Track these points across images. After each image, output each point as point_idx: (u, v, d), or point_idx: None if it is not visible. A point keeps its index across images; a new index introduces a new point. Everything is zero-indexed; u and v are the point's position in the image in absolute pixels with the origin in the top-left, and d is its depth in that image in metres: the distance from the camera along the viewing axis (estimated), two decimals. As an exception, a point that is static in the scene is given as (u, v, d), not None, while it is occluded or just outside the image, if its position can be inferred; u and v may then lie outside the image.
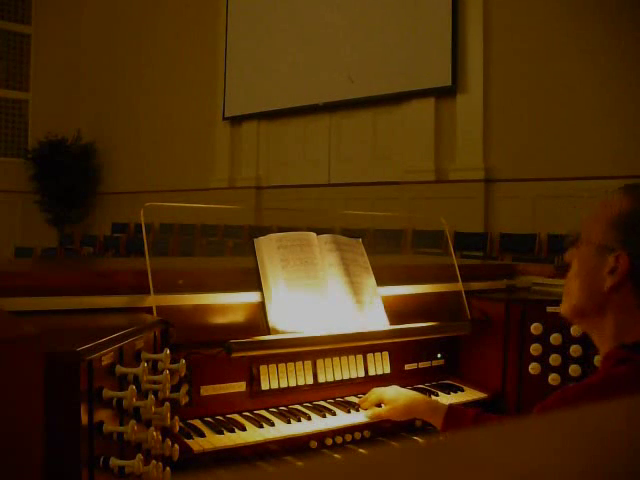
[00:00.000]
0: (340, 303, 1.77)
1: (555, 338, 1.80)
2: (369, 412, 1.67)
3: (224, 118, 9.52)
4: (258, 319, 1.67)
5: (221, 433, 1.49)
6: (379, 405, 1.68)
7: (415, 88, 7.30)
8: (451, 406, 1.57)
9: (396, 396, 1.65)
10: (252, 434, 1.50)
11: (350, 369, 1.82)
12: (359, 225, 6.36)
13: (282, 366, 1.71)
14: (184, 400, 1.31)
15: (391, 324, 1.82)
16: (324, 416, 1.64)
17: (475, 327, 1.94)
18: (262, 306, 1.68)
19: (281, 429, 1.55)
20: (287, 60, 8.60)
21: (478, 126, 6.86)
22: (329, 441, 1.60)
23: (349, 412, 1.68)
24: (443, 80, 7.07)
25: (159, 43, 10.55)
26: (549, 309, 1.82)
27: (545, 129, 6.37)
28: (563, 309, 1.25)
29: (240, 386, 1.65)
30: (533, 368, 1.83)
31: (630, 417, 0.37)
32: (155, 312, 1.49)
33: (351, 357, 1.83)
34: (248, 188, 9.10)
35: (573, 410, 0.36)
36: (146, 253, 1.54)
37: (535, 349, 1.82)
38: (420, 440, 0.35)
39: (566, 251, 1.25)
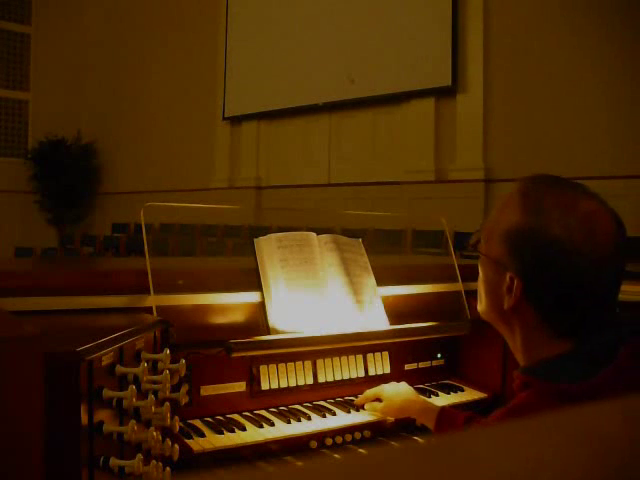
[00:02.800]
0: (340, 303, 1.77)
1: (555, 338, 1.79)
2: (367, 405, 1.68)
3: (224, 118, 9.53)
4: (258, 319, 1.67)
5: (221, 433, 1.49)
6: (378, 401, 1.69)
7: (415, 88, 7.30)
8: (443, 408, 1.57)
9: (393, 394, 1.66)
10: (252, 434, 1.50)
11: (350, 369, 1.82)
12: (359, 225, 6.36)
13: (282, 366, 1.71)
14: (184, 400, 1.31)
15: (391, 324, 1.82)
16: (324, 416, 1.64)
17: (475, 327, 1.93)
18: (262, 306, 1.68)
19: (281, 429, 1.55)
20: (287, 60, 8.59)
21: (478, 126, 6.86)
22: (329, 441, 1.60)
23: (349, 412, 1.68)
24: (443, 80, 7.07)
25: (159, 43, 10.55)
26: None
27: (545, 129, 6.37)
28: (479, 310, 1.20)
29: (240, 386, 1.65)
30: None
31: (628, 417, 0.37)
32: (155, 312, 1.49)
33: (351, 357, 1.83)
34: (248, 188, 9.10)
35: (572, 410, 0.36)
36: (146, 253, 1.54)
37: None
38: (420, 440, 0.35)
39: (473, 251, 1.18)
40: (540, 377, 1.04)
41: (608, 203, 1.05)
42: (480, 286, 1.18)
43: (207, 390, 1.59)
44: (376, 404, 1.68)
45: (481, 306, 1.19)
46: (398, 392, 1.67)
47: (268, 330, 1.65)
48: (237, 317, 1.66)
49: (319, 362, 1.77)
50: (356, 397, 1.78)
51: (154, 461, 1.18)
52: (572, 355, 1.03)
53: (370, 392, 1.72)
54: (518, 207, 1.05)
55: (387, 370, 1.88)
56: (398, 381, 1.80)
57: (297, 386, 1.73)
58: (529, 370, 1.08)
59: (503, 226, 1.07)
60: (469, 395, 1.90)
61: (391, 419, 1.67)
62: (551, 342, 1.05)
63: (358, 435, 1.65)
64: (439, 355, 2.02)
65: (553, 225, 1.00)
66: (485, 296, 1.15)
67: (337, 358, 1.80)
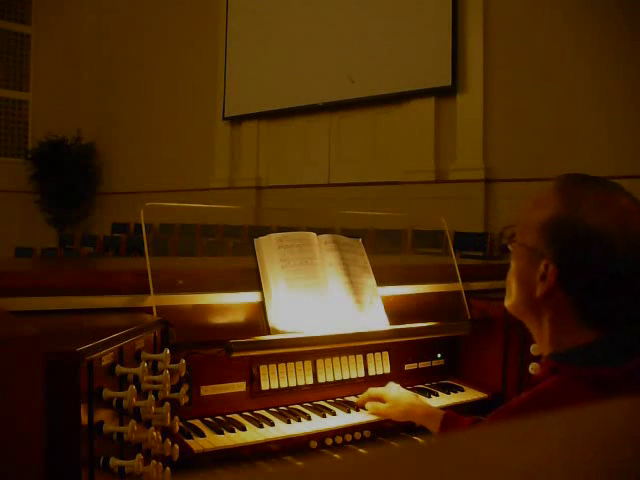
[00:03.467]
0: (340, 303, 1.77)
1: (555, 338, 1.80)
2: (369, 404, 1.68)
3: (224, 118, 9.52)
4: (258, 319, 1.67)
5: (221, 433, 1.49)
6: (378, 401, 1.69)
7: (415, 88, 7.30)
8: (448, 413, 1.57)
9: (397, 398, 1.65)
10: (252, 434, 1.50)
11: (350, 369, 1.82)
12: (359, 225, 6.36)
13: (282, 366, 1.71)
14: (184, 400, 1.31)
15: (391, 324, 1.82)
16: (324, 416, 1.64)
17: (475, 327, 1.94)
18: (262, 306, 1.68)
19: (281, 429, 1.55)
20: (287, 60, 8.60)
21: (478, 126, 6.86)
22: (329, 441, 1.60)
23: (349, 412, 1.68)
24: (443, 80, 7.07)
25: (159, 43, 10.55)
26: (549, 309, 1.82)
27: (545, 129, 6.37)
28: (506, 304, 1.23)
29: (240, 386, 1.65)
30: (533, 368, 1.83)
31: (630, 417, 0.37)
32: (155, 312, 1.49)
33: (351, 357, 1.83)
34: (248, 188, 9.10)
35: (573, 410, 0.36)
36: (146, 253, 1.54)
37: (535, 349, 1.82)
38: (420, 440, 0.35)
39: (507, 246, 1.21)
40: (570, 362, 1.06)
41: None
42: (511, 279, 1.20)
43: (207, 390, 1.59)
44: (379, 404, 1.67)
45: (510, 299, 1.21)
46: (402, 395, 1.67)
47: (268, 330, 1.65)
48: (237, 317, 1.66)
49: (319, 362, 1.77)
50: (356, 397, 1.78)
51: (154, 461, 1.18)
52: (603, 342, 1.06)
53: (373, 391, 1.71)
54: (555, 200, 1.10)
55: (387, 370, 1.88)
56: (398, 381, 1.80)
57: (297, 386, 1.73)
58: (558, 356, 1.09)
59: (540, 218, 1.11)
60: (469, 395, 1.90)
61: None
62: (580, 330, 1.08)
63: (358, 435, 1.65)
64: (439, 355, 2.02)
65: (590, 216, 1.05)
66: (516, 287, 1.18)
67: (337, 358, 1.80)
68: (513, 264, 1.19)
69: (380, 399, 1.69)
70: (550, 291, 1.09)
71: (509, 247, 1.21)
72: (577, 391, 1.01)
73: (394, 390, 1.68)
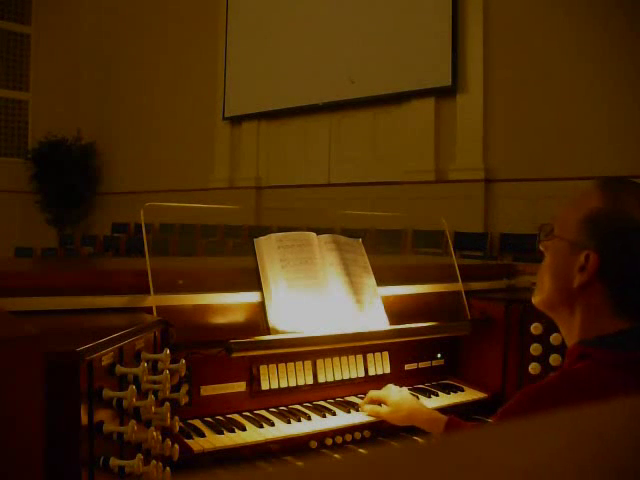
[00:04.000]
0: (340, 303, 1.77)
1: (555, 338, 1.80)
2: (368, 407, 1.68)
3: (224, 118, 9.53)
4: (258, 319, 1.67)
5: (221, 433, 1.49)
6: (379, 404, 1.68)
7: (415, 88, 7.30)
8: (451, 419, 1.57)
9: (400, 402, 1.65)
10: (252, 434, 1.50)
11: (350, 369, 1.82)
12: (359, 225, 6.36)
13: (282, 366, 1.71)
14: (184, 400, 1.31)
15: (391, 324, 1.82)
16: (324, 416, 1.64)
17: (475, 327, 1.94)
18: (262, 306, 1.68)
19: (281, 429, 1.55)
20: (287, 60, 8.59)
21: (478, 126, 6.86)
22: (329, 441, 1.60)
23: (349, 412, 1.68)
24: (443, 80, 7.07)
25: (159, 43, 10.55)
26: (549, 309, 1.82)
27: (545, 129, 6.37)
28: (534, 300, 1.24)
29: (240, 386, 1.65)
30: (533, 368, 1.83)
31: (630, 417, 0.37)
32: (155, 312, 1.49)
33: (351, 357, 1.83)
34: (248, 188, 9.10)
35: (572, 410, 0.36)
36: (146, 253, 1.54)
37: (535, 349, 1.82)
38: (420, 440, 0.35)
39: (541, 241, 1.23)
40: (599, 347, 1.08)
41: None
42: (544, 274, 1.21)
43: (207, 390, 1.59)
44: (380, 408, 1.67)
45: (541, 294, 1.21)
46: (404, 399, 1.66)
47: (268, 330, 1.65)
48: (237, 317, 1.66)
49: (319, 362, 1.77)
50: (356, 397, 1.78)
51: (154, 461, 1.18)
52: (633, 330, 1.08)
53: (374, 395, 1.71)
54: (597, 196, 1.13)
55: (387, 370, 1.88)
56: (398, 381, 1.80)
57: (297, 386, 1.73)
58: (587, 342, 1.11)
59: (582, 211, 1.14)
60: (469, 395, 1.90)
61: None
62: (612, 320, 1.09)
63: (358, 435, 1.65)
64: (439, 355, 2.02)
65: (632, 210, 1.09)
66: (550, 281, 1.18)
67: (337, 358, 1.80)
68: (548, 259, 1.20)
69: (381, 402, 1.68)
70: (588, 282, 1.11)
71: (541, 247, 1.22)
72: (609, 375, 1.03)
73: (395, 394, 1.68)
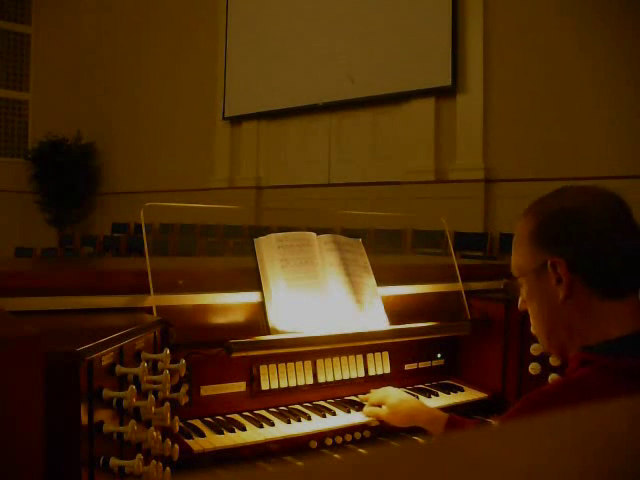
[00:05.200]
0: (340, 303, 1.77)
1: (555, 338, 1.79)
2: (367, 409, 1.68)
3: (224, 118, 9.53)
4: (258, 319, 1.67)
5: (221, 433, 1.49)
6: (379, 406, 1.68)
7: (415, 88, 7.30)
8: (451, 416, 1.57)
9: (399, 403, 1.65)
10: (252, 434, 1.50)
11: (350, 369, 1.82)
12: (359, 225, 6.36)
13: (282, 366, 1.71)
14: (184, 400, 1.31)
15: (391, 324, 1.82)
16: (324, 416, 1.64)
17: (475, 327, 1.94)
18: (262, 306, 1.68)
19: (281, 429, 1.55)
20: (287, 60, 8.59)
21: (478, 126, 6.86)
22: (329, 441, 1.60)
23: (349, 412, 1.68)
24: (443, 80, 7.07)
25: (159, 43, 10.55)
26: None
27: (545, 129, 6.37)
28: (544, 347, 1.23)
29: (240, 386, 1.65)
30: (533, 368, 1.83)
31: (630, 417, 0.37)
32: (155, 312, 1.49)
33: (351, 357, 1.83)
34: (248, 188, 9.10)
35: (573, 410, 0.36)
36: (146, 253, 1.54)
37: (535, 349, 1.82)
38: (420, 440, 0.35)
39: (516, 300, 1.24)
40: (601, 353, 1.08)
41: None
42: (536, 323, 1.20)
43: (207, 390, 1.59)
44: (379, 410, 1.67)
45: (546, 342, 1.20)
46: (403, 400, 1.66)
47: (268, 330, 1.65)
48: (237, 317, 1.66)
49: (319, 362, 1.77)
50: (356, 397, 1.78)
51: (154, 461, 1.18)
52: (632, 336, 1.08)
53: (374, 397, 1.71)
54: (525, 221, 1.17)
55: (387, 370, 1.88)
56: (398, 381, 1.80)
57: (297, 386, 1.73)
58: (590, 348, 1.10)
59: (524, 240, 1.17)
60: (469, 395, 1.90)
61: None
62: (608, 315, 1.09)
63: (358, 435, 1.65)
64: (439, 355, 2.02)
65: (557, 203, 1.14)
66: (540, 316, 1.18)
67: (337, 358, 1.80)
68: (531, 304, 1.20)
69: (380, 404, 1.68)
70: (570, 286, 1.11)
71: (521, 305, 1.23)
72: (610, 381, 1.02)
73: (394, 396, 1.67)
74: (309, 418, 1.62)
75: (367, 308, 1.80)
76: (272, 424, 1.56)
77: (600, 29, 5.99)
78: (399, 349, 1.91)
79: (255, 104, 8.99)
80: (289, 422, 1.58)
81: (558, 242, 1.12)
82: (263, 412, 1.64)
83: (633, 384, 1.00)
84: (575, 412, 0.36)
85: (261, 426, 1.54)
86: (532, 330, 1.24)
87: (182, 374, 1.32)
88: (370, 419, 1.66)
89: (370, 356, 1.86)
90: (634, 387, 1.00)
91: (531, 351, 1.83)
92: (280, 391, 1.70)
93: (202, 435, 1.47)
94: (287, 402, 1.70)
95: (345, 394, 1.80)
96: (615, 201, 1.12)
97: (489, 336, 1.94)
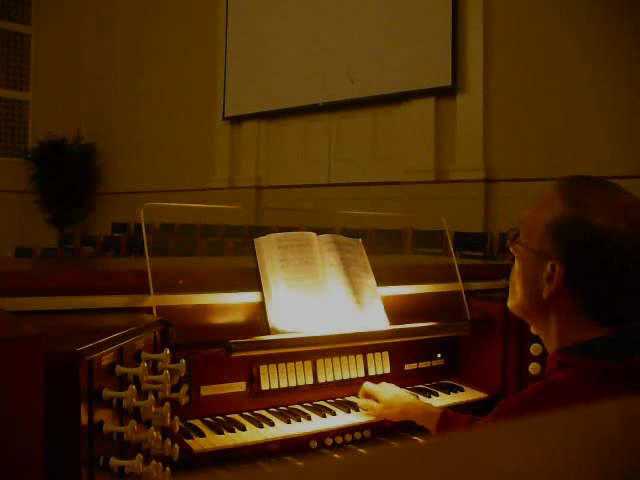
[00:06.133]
0: (340, 303, 1.77)
1: (555, 338, 1.79)
2: (362, 402, 1.68)
3: (224, 118, 9.52)
4: (258, 319, 1.67)
5: (221, 433, 1.49)
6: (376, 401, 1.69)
7: (415, 88, 7.30)
8: (445, 412, 1.57)
9: (392, 399, 1.65)
10: (252, 434, 1.50)
11: (350, 369, 1.82)
12: (359, 225, 6.36)
13: (282, 366, 1.71)
14: (184, 400, 1.31)
15: (391, 324, 1.82)
16: (324, 416, 1.64)
17: (475, 327, 1.94)
18: (262, 306, 1.68)
19: (281, 429, 1.55)
20: (287, 60, 8.59)
21: (478, 126, 6.86)
22: (329, 441, 1.60)
23: (349, 412, 1.68)
24: (443, 80, 7.07)
25: (159, 43, 10.55)
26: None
27: (545, 129, 6.37)
28: (509, 304, 1.23)
29: (240, 386, 1.65)
30: (533, 368, 1.83)
31: (629, 417, 0.37)
32: (155, 312, 1.49)
33: (351, 357, 1.83)
34: (248, 188, 9.10)
35: (572, 410, 0.36)
36: (146, 253, 1.54)
37: (535, 349, 1.82)
38: (420, 440, 0.35)
39: (510, 245, 1.21)
40: (578, 356, 1.07)
41: None
42: (515, 280, 1.20)
43: (207, 390, 1.60)
44: (373, 403, 1.67)
45: (514, 300, 1.21)
46: (397, 395, 1.66)
47: (268, 330, 1.65)
48: (237, 317, 1.66)
49: (319, 362, 1.77)
50: (356, 397, 1.78)
51: (154, 461, 1.18)
52: (608, 338, 1.07)
53: (368, 388, 1.71)
54: (559, 202, 1.10)
55: (387, 370, 1.88)
56: (398, 381, 1.80)
57: (297, 386, 1.73)
58: (567, 350, 1.10)
59: (545, 219, 1.11)
60: (469, 395, 1.90)
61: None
62: (587, 327, 1.08)
63: (358, 435, 1.65)
64: (439, 355, 2.02)
65: (595, 215, 1.05)
66: (522, 288, 1.17)
67: (337, 358, 1.80)
68: (517, 265, 1.19)
69: (374, 397, 1.69)
70: (557, 292, 1.09)
71: (511, 249, 1.21)
72: (587, 384, 1.02)
73: (388, 391, 1.68)
74: (309, 418, 1.62)
75: (367, 308, 1.80)
76: (272, 424, 1.56)
77: (600, 29, 5.99)
78: (399, 349, 1.91)
79: (255, 104, 8.99)
80: (289, 422, 1.58)
81: (572, 252, 1.08)
82: (263, 412, 1.64)
83: (610, 386, 1.00)
84: (571, 413, 0.36)
85: (261, 426, 1.54)
86: (510, 281, 1.22)
87: (182, 374, 1.32)
88: (367, 418, 1.66)
89: (370, 356, 1.86)
90: (611, 389, 0.99)
91: (531, 351, 1.83)
92: (280, 391, 1.70)
93: (202, 435, 1.47)
94: (287, 402, 1.70)
95: (345, 394, 1.80)
96: None
97: (489, 336, 1.94)
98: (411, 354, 1.95)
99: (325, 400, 1.76)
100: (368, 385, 1.73)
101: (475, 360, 2.00)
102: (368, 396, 1.71)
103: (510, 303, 1.23)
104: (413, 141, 7.39)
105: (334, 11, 8.12)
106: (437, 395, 1.87)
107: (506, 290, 2.16)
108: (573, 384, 1.03)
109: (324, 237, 1.84)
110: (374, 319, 1.80)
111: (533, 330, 1.22)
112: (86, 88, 11.86)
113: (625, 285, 1.05)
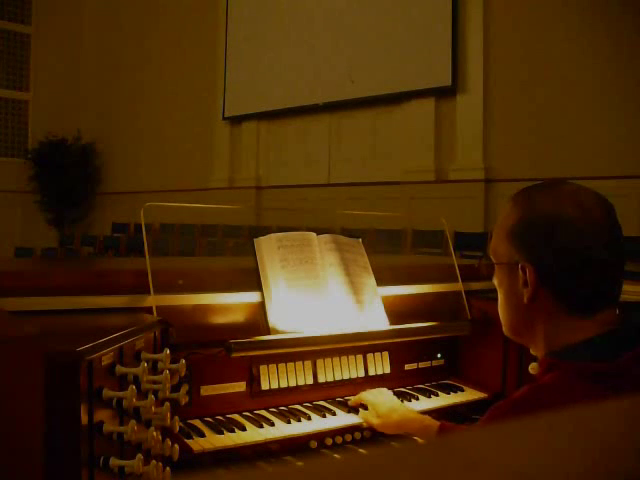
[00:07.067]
0: (340, 303, 1.77)
1: (555, 338, 1.79)
2: (362, 413, 1.66)
3: (224, 118, 9.52)
4: (258, 319, 1.67)
5: (221, 433, 1.49)
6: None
7: (415, 88, 7.30)
8: (442, 424, 1.55)
9: (389, 413, 1.62)
10: (252, 434, 1.50)
11: (350, 369, 1.82)
12: (359, 225, 6.36)
13: (282, 366, 1.71)
14: (184, 400, 1.31)
15: (391, 324, 1.82)
16: (324, 416, 1.64)
17: (475, 327, 1.94)
18: (262, 306, 1.68)
19: (281, 429, 1.55)
20: (287, 60, 8.59)
21: (478, 126, 6.86)
22: (329, 441, 1.60)
23: (349, 412, 1.68)
24: (443, 80, 7.07)
25: (159, 43, 10.55)
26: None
27: (545, 129, 6.37)
28: (504, 331, 1.24)
29: (240, 386, 1.65)
30: (533, 368, 1.83)
31: (629, 417, 0.37)
32: (155, 312, 1.49)
33: (351, 357, 1.83)
34: (248, 188, 9.10)
35: (572, 410, 0.36)
36: (146, 253, 1.54)
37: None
38: (420, 440, 0.35)
39: (492, 277, 1.24)
40: (566, 358, 1.08)
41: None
42: (501, 304, 1.21)
43: (207, 390, 1.60)
44: (371, 418, 1.65)
45: (504, 322, 1.22)
46: (394, 409, 1.64)
47: (268, 330, 1.65)
48: (237, 317, 1.66)
49: (319, 362, 1.77)
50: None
51: (154, 461, 1.18)
52: (595, 339, 1.07)
53: (364, 398, 1.70)
54: (512, 210, 1.16)
55: (387, 370, 1.88)
56: (398, 381, 1.80)
57: (297, 386, 1.73)
58: (554, 353, 1.11)
59: (505, 230, 1.16)
60: (469, 395, 1.90)
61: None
62: (572, 327, 1.09)
63: (358, 435, 1.65)
64: (439, 355, 2.02)
65: (543, 207, 1.10)
66: (506, 305, 1.19)
67: (337, 358, 1.80)
68: (499, 293, 1.21)
69: (368, 406, 1.67)
70: (535, 292, 1.10)
71: (495, 282, 1.23)
72: (575, 386, 1.02)
73: (384, 405, 1.65)
74: (309, 418, 1.62)
75: (367, 308, 1.80)
76: (272, 424, 1.56)
77: (600, 29, 5.99)
78: (399, 349, 1.91)
79: (255, 104, 8.99)
80: (289, 422, 1.58)
81: (533, 249, 1.10)
82: (263, 412, 1.64)
83: (597, 387, 1.00)
84: (575, 412, 0.36)
85: (261, 426, 1.54)
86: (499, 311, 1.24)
87: (182, 374, 1.32)
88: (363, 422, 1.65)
89: (370, 356, 1.86)
90: (599, 390, 0.99)
91: (531, 351, 1.83)
92: (280, 391, 1.70)
93: (202, 435, 1.47)
94: (287, 402, 1.70)
95: (345, 394, 1.80)
96: (605, 211, 1.09)
97: (489, 336, 1.94)
98: (411, 354, 1.95)
99: (325, 400, 1.76)
100: (364, 396, 1.71)
101: (475, 360, 2.00)
102: (364, 407, 1.70)
103: (504, 330, 1.24)
104: (413, 141, 7.39)
105: (334, 11, 8.12)
106: (437, 395, 1.87)
107: (479, 268, 2.16)
108: (561, 386, 1.04)
109: (324, 237, 1.84)
110: (374, 319, 1.80)
111: (532, 351, 1.22)
112: (86, 88, 11.86)
113: (593, 266, 1.06)
